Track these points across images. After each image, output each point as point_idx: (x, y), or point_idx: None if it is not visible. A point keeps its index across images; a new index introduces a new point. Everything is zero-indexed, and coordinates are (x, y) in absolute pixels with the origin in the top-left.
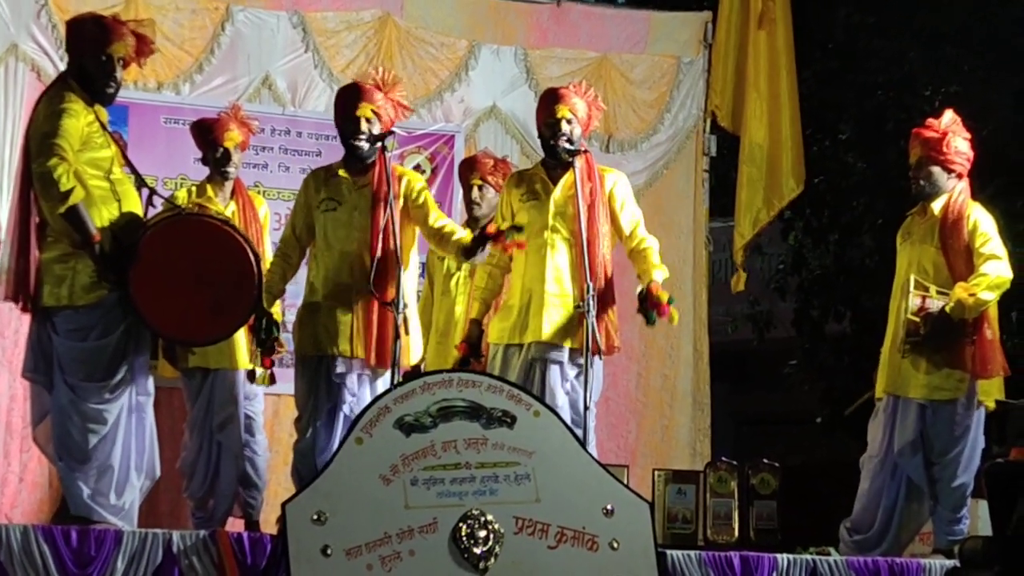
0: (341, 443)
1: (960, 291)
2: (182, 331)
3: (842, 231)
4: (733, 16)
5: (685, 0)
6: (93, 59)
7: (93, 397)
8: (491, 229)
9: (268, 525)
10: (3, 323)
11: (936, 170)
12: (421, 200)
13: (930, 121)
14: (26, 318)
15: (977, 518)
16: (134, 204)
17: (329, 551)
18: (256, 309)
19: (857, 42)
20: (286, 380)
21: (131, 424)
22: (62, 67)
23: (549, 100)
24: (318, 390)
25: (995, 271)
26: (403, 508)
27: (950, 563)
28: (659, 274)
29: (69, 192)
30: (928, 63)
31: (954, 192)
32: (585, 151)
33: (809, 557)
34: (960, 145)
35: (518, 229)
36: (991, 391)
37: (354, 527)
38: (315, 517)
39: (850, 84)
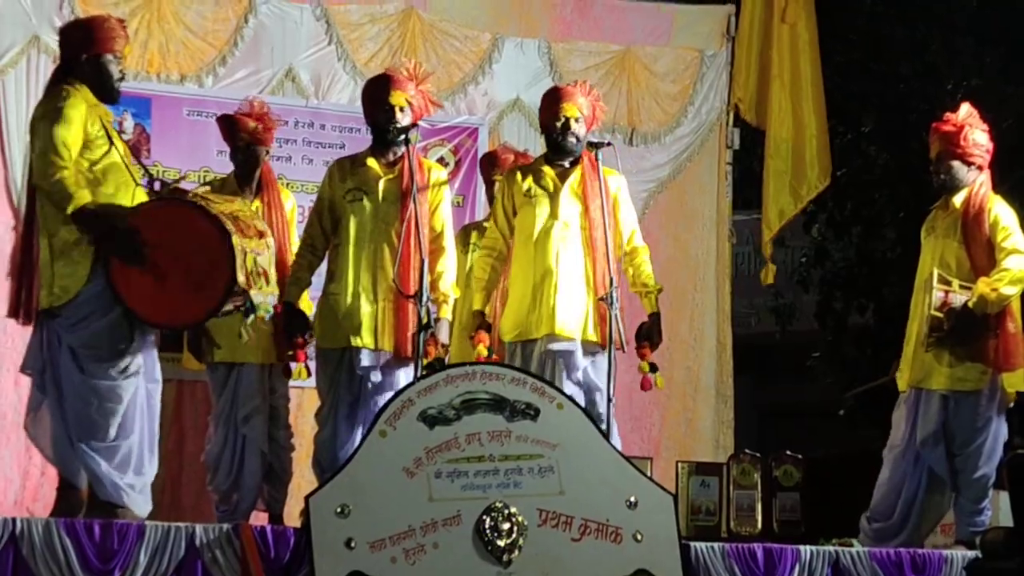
0: (364, 436)
1: (982, 286)
2: (166, 316)
3: (865, 224)
4: (756, 9)
5: None
6: (100, 57)
7: (105, 375)
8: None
9: (292, 519)
10: None
11: (956, 164)
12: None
13: (947, 115)
14: None
15: (999, 509)
16: (122, 194)
17: (353, 544)
18: (234, 283)
19: (880, 33)
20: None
21: (143, 409)
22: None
23: (557, 98)
24: (339, 382)
25: (1017, 265)
26: (427, 501)
27: (972, 554)
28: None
29: (72, 195)
30: (950, 54)
31: (975, 185)
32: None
33: (832, 549)
34: (978, 137)
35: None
36: (1014, 383)
37: (378, 520)
38: (338, 510)
39: (872, 76)
